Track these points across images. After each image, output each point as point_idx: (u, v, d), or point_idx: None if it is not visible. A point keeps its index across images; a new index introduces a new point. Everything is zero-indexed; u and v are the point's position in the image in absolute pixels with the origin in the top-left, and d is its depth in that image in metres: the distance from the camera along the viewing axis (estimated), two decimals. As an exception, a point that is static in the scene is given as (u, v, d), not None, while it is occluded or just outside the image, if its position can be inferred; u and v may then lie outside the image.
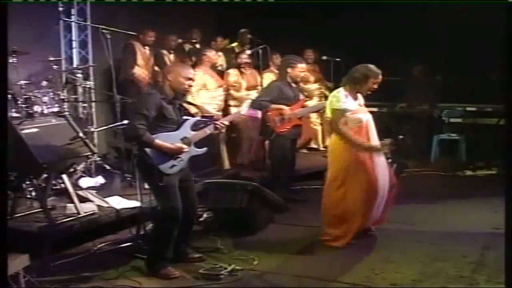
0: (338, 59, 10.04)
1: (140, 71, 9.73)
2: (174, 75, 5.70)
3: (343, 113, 6.31)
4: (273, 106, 7.98)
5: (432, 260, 5.94)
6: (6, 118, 5.75)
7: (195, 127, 5.92)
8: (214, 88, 9.32)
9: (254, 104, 8.05)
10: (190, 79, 5.75)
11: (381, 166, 6.39)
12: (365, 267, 5.85)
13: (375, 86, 6.43)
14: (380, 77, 6.41)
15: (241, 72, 9.94)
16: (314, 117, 10.82)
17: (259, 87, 9.65)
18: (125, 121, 7.06)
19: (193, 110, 8.86)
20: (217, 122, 6.04)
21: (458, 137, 11.01)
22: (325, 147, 11.18)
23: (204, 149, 5.96)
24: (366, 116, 6.42)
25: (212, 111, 9.06)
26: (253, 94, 9.51)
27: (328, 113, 6.51)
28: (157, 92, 5.69)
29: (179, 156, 5.67)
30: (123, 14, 10.15)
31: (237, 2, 10.88)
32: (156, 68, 9.98)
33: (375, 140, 6.43)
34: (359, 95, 6.50)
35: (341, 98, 6.35)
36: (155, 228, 6.00)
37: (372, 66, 6.43)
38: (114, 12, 9.94)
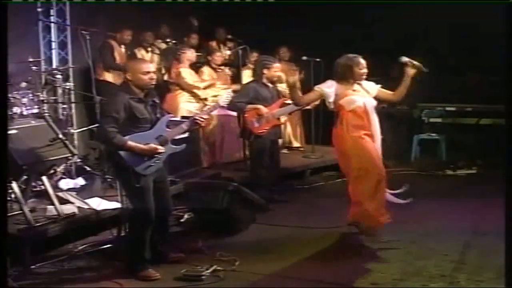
0: (318, 59, 10.05)
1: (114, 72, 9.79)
2: (132, 72, 5.59)
3: (321, 94, 6.49)
4: (250, 106, 7.96)
5: (413, 259, 5.96)
6: (6, 119, 5.72)
7: (171, 124, 5.86)
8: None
9: (230, 106, 8.05)
10: (148, 72, 5.61)
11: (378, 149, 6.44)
12: (347, 266, 5.86)
13: (365, 71, 6.45)
14: (362, 61, 6.44)
15: (215, 71, 9.96)
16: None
17: (232, 87, 9.69)
18: (97, 125, 7.03)
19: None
20: (196, 117, 5.97)
21: (438, 136, 11.10)
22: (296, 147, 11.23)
23: (183, 145, 5.90)
24: (363, 99, 6.41)
25: (193, 110, 9.06)
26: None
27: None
28: (124, 93, 5.57)
29: (155, 156, 5.62)
30: (103, 15, 10.11)
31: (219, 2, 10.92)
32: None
33: (375, 125, 6.42)
34: (357, 83, 6.51)
35: (324, 84, 6.49)
36: (129, 230, 5.96)
37: (349, 55, 6.48)
38: (93, 12, 9.89)
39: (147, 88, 5.68)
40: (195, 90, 9.34)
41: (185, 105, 9.23)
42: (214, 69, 10.01)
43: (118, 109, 5.44)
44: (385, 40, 11.19)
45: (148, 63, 5.86)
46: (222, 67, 10.21)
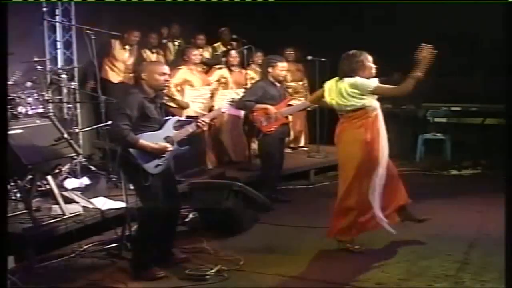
0: (323, 59, 10.04)
1: (115, 70, 9.86)
2: (148, 72, 5.63)
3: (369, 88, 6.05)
4: (258, 106, 7.99)
5: (418, 259, 5.96)
6: (6, 119, 5.72)
7: (177, 126, 5.90)
8: (199, 86, 9.32)
9: (239, 105, 8.10)
10: (164, 74, 5.67)
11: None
12: (351, 266, 5.86)
13: (373, 66, 6.22)
14: (364, 54, 6.19)
15: (230, 70, 9.97)
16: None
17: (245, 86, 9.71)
18: (110, 122, 7.04)
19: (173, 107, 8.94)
20: (198, 120, 6.01)
21: (443, 136, 11.09)
22: (300, 146, 11.22)
23: (187, 147, 5.95)
24: (378, 105, 6.22)
25: (198, 110, 9.06)
26: (240, 93, 9.62)
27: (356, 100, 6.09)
28: (138, 92, 5.61)
29: (164, 155, 5.66)
30: (108, 14, 10.12)
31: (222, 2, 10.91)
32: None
33: (383, 132, 6.18)
34: None
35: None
36: (138, 229, 5.97)
37: (355, 51, 6.21)
38: (99, 12, 9.90)
39: (160, 89, 5.76)
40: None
41: (191, 104, 9.20)
42: (229, 69, 10.01)
43: (132, 107, 5.49)
44: (387, 40, 11.17)
45: (165, 65, 5.88)
46: (236, 67, 10.15)
